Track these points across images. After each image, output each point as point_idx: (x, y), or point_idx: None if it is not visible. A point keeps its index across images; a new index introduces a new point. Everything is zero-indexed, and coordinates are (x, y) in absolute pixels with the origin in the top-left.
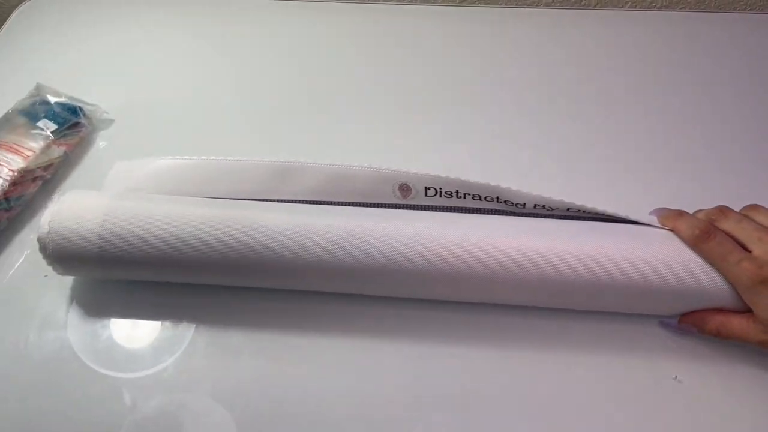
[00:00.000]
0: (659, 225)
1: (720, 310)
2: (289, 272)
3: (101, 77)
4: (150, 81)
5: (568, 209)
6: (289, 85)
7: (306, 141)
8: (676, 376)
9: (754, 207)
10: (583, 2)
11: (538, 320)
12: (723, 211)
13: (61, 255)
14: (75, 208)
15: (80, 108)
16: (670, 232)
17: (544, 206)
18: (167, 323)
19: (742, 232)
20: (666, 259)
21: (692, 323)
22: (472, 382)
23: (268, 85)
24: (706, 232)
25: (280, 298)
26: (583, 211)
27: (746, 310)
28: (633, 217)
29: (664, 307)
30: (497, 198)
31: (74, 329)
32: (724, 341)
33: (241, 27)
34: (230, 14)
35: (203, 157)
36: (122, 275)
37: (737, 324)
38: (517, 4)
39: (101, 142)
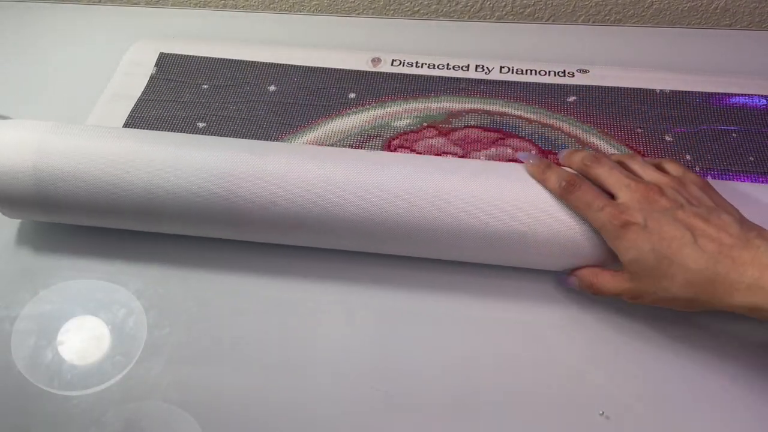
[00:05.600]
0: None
1: (596, 266)
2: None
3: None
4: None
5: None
6: None
7: None
8: (603, 412)
9: (631, 156)
10: (536, 15)
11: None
12: (598, 158)
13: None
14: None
15: None
16: None
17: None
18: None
19: (612, 179)
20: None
21: (573, 276)
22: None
23: None
24: (572, 184)
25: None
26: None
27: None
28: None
29: (550, 262)
30: (447, 64)
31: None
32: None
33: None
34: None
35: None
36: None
37: (608, 276)
38: (469, 18)
39: None
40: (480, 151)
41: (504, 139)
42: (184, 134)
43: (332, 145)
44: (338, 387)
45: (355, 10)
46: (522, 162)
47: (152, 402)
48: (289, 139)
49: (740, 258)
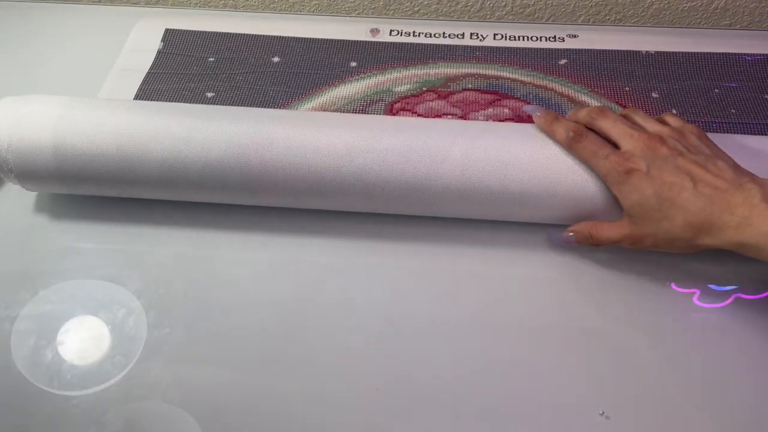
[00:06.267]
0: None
1: (593, 221)
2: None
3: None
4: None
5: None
6: None
7: None
8: (603, 412)
9: (633, 110)
10: (536, 15)
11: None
12: (603, 110)
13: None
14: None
15: None
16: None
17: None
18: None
19: (616, 130)
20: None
21: (570, 232)
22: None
23: None
24: (578, 134)
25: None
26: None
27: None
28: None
29: (546, 213)
30: (443, 33)
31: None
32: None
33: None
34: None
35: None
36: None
37: (606, 225)
38: (469, 18)
39: None
40: (478, 111)
41: (500, 100)
42: (200, 105)
43: (337, 109)
44: (340, 385)
45: (356, 10)
46: (528, 114)
47: (152, 402)
48: (295, 105)
49: (733, 200)
